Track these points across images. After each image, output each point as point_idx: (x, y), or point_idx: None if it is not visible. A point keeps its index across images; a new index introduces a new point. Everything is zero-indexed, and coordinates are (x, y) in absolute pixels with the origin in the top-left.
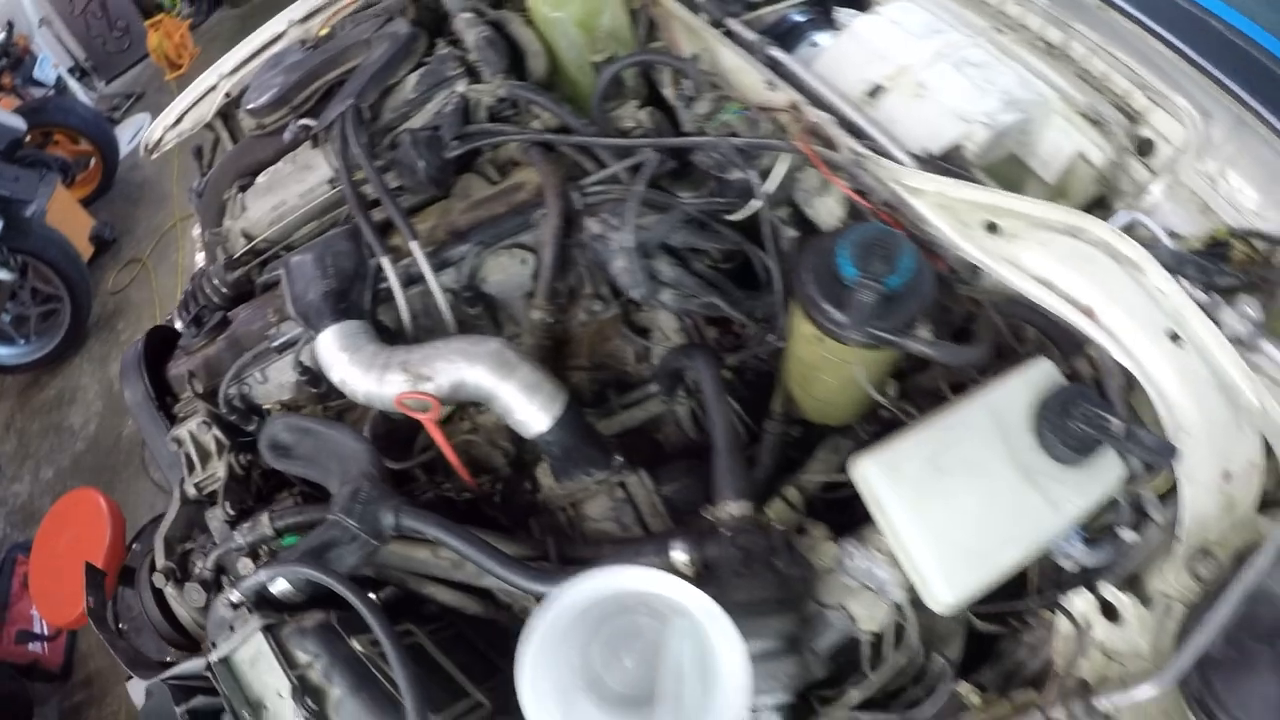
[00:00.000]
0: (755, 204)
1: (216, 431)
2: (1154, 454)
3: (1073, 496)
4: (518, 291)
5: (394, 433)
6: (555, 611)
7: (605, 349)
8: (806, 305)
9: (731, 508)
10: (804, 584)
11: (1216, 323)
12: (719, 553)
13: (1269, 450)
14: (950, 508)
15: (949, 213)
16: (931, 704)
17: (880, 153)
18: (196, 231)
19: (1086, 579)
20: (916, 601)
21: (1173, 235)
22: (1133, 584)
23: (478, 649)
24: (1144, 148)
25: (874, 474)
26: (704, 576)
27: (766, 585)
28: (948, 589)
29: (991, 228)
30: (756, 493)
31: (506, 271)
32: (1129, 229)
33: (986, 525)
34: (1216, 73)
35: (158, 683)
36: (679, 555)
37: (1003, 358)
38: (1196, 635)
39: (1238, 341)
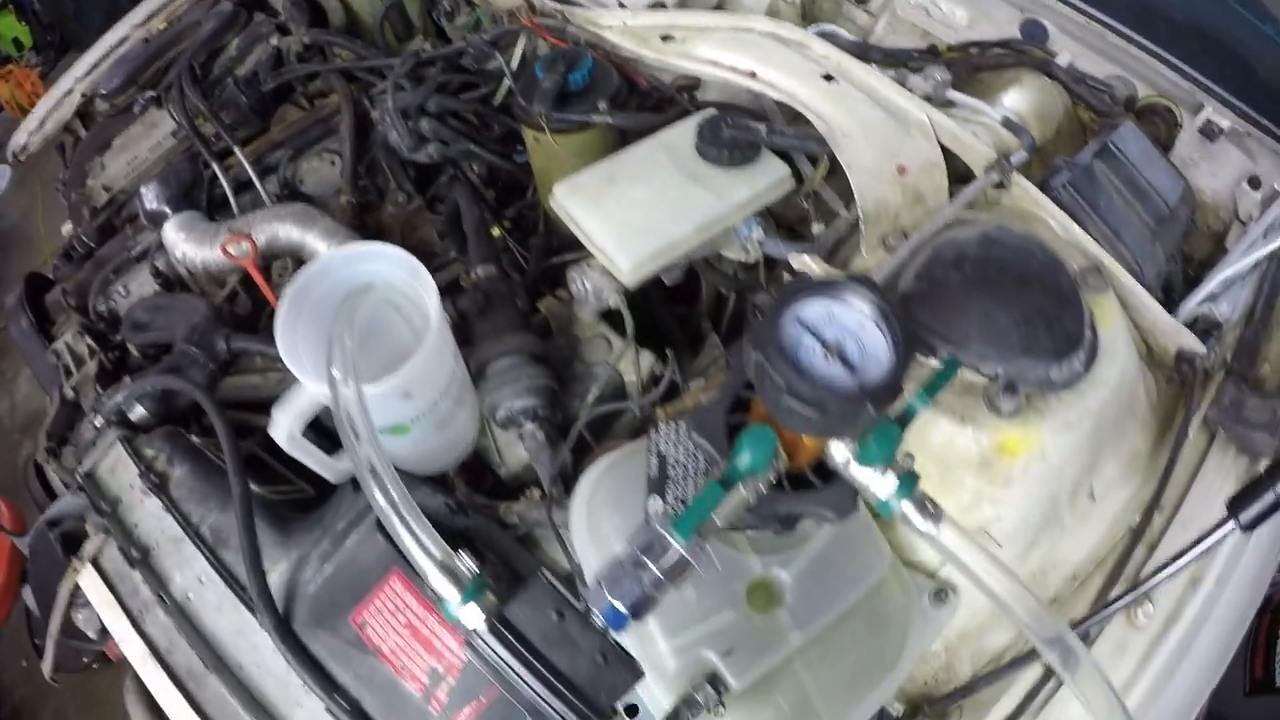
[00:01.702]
0: (506, 83)
1: (88, 339)
2: (796, 142)
3: (737, 187)
4: (331, 189)
5: (240, 325)
6: (294, 287)
7: (416, 237)
8: (516, 112)
9: (479, 270)
10: (571, 350)
11: (906, 86)
12: (469, 302)
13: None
14: (623, 203)
15: (631, 35)
16: (649, 397)
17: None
18: (67, 229)
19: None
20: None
21: None
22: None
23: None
24: None
25: (562, 194)
26: (461, 326)
27: (507, 316)
28: (624, 258)
29: (666, 38)
30: (498, 257)
31: (319, 174)
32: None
33: (655, 211)
34: None
35: (38, 527)
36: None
37: None
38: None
39: (926, 96)
